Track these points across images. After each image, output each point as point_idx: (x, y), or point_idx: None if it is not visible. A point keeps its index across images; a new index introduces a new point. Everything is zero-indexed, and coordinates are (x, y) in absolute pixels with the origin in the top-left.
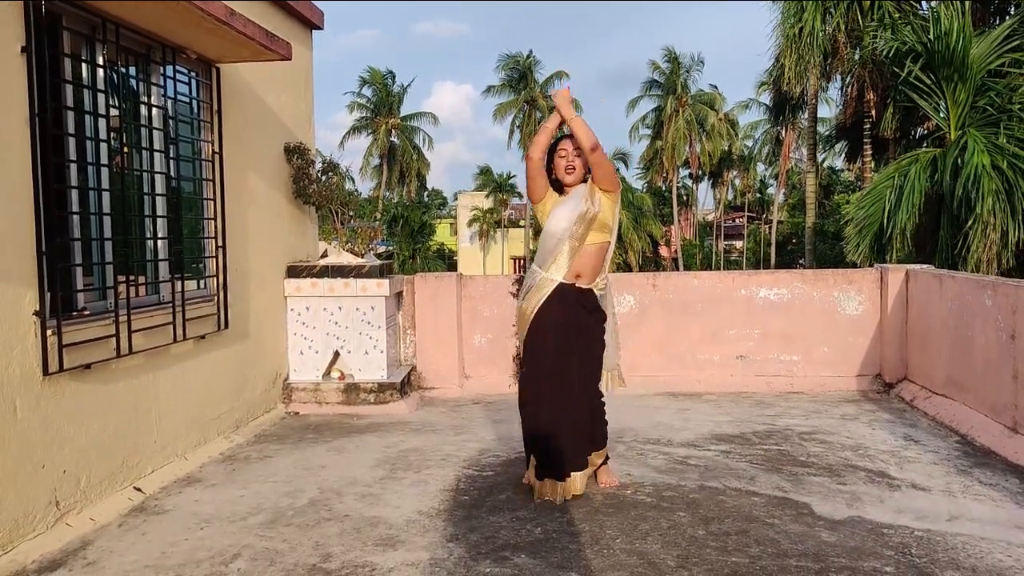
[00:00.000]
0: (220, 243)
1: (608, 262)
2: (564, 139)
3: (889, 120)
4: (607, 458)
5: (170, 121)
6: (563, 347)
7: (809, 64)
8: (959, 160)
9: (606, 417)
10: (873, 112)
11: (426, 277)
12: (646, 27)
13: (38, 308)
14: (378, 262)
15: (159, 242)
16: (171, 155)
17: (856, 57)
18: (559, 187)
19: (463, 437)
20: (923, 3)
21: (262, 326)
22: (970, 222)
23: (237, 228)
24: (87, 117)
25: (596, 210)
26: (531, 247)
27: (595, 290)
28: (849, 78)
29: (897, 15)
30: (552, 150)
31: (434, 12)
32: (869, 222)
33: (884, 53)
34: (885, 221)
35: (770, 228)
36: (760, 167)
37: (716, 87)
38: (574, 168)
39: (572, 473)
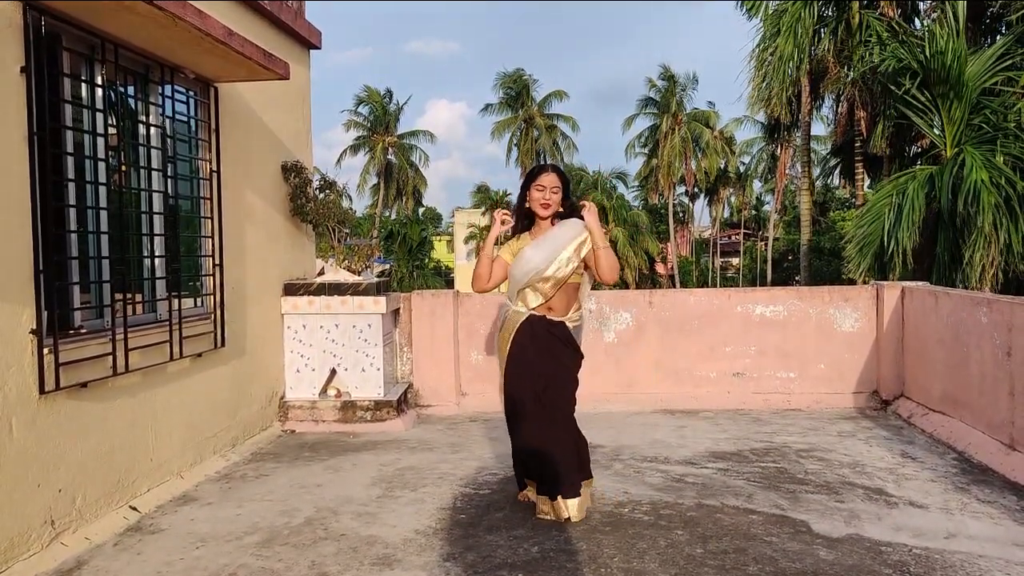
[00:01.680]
0: (217, 261)
1: (584, 296)
2: (544, 173)
3: (879, 137)
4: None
5: (168, 140)
6: (538, 375)
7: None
8: (956, 177)
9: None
10: (864, 130)
11: (423, 294)
12: (635, 46)
13: (35, 326)
14: (375, 279)
15: (156, 260)
16: (169, 174)
17: (848, 78)
18: (530, 223)
19: (460, 455)
20: (915, 22)
21: (259, 344)
22: (972, 236)
23: (234, 246)
24: (86, 136)
25: (572, 270)
26: None
27: (568, 323)
28: (841, 96)
29: (886, 34)
30: (529, 179)
31: (424, 31)
32: (869, 240)
33: (882, 68)
34: (886, 239)
35: (766, 245)
36: (756, 184)
37: (713, 104)
38: (550, 204)
39: (564, 499)
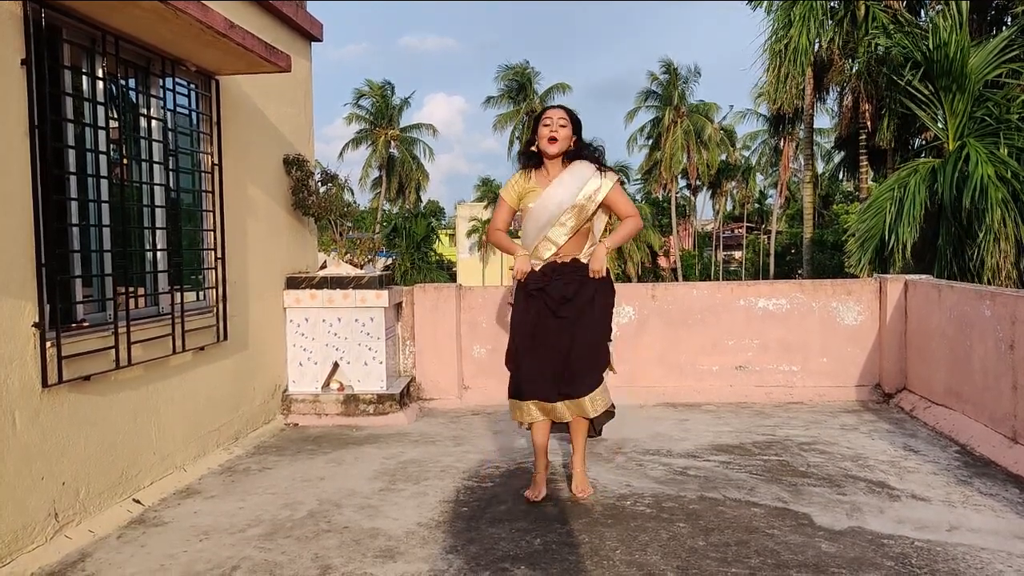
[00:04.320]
0: (219, 255)
1: (599, 231)
2: (549, 108)
3: (885, 130)
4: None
5: (169, 133)
6: (544, 313)
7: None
8: (960, 170)
9: (601, 378)
10: (869, 123)
11: (425, 288)
12: (635, 39)
13: (37, 320)
14: (377, 273)
15: (158, 254)
16: (170, 167)
17: (852, 69)
18: (538, 161)
19: (462, 448)
20: (920, 14)
21: (261, 337)
22: (981, 234)
23: (236, 239)
24: (87, 129)
25: (591, 210)
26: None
27: (581, 258)
28: (844, 89)
29: (892, 26)
30: (536, 119)
31: (420, 26)
32: (871, 235)
33: (885, 54)
34: (887, 234)
35: (769, 238)
36: (759, 178)
37: (717, 104)
38: (556, 138)
39: (530, 401)
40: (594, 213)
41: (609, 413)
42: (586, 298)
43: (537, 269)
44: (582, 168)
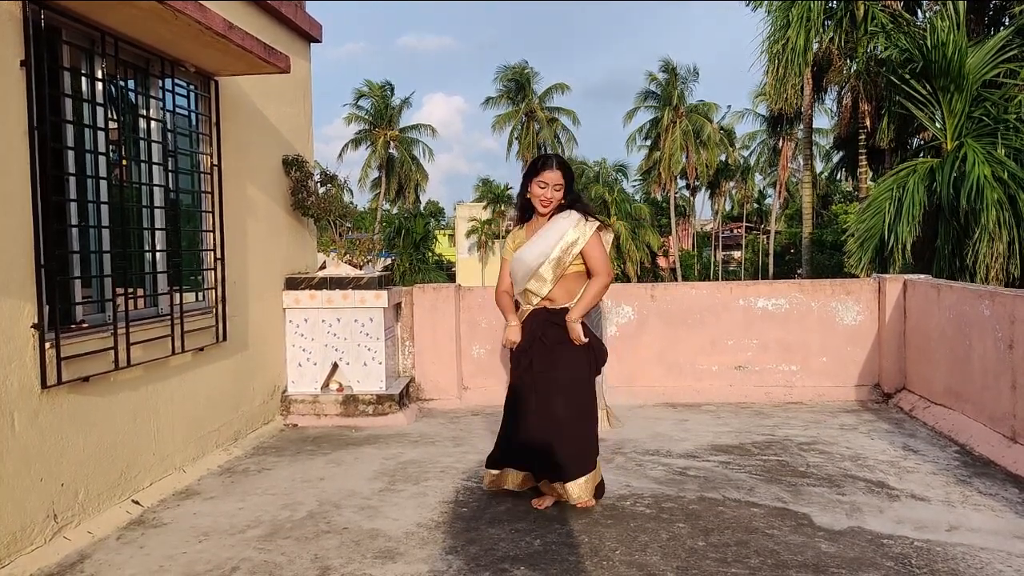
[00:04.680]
0: (219, 255)
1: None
2: (547, 169)
3: (884, 130)
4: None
5: (169, 134)
6: (529, 366)
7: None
8: (957, 170)
9: (587, 448)
10: (868, 123)
11: (424, 288)
12: (633, 39)
13: (37, 321)
14: (377, 273)
15: (158, 254)
16: (170, 168)
17: (852, 69)
18: (530, 214)
19: (462, 449)
20: (918, 14)
21: (261, 338)
22: (976, 234)
23: (236, 240)
24: (86, 130)
25: (568, 262)
26: None
27: (571, 305)
28: (844, 89)
29: (891, 26)
30: (532, 173)
31: (418, 26)
32: (870, 235)
33: (885, 56)
34: (886, 233)
35: (768, 238)
36: (758, 178)
37: (716, 104)
38: (550, 203)
39: (506, 468)
40: (572, 262)
41: (600, 488)
42: (570, 355)
43: (525, 319)
44: (562, 221)
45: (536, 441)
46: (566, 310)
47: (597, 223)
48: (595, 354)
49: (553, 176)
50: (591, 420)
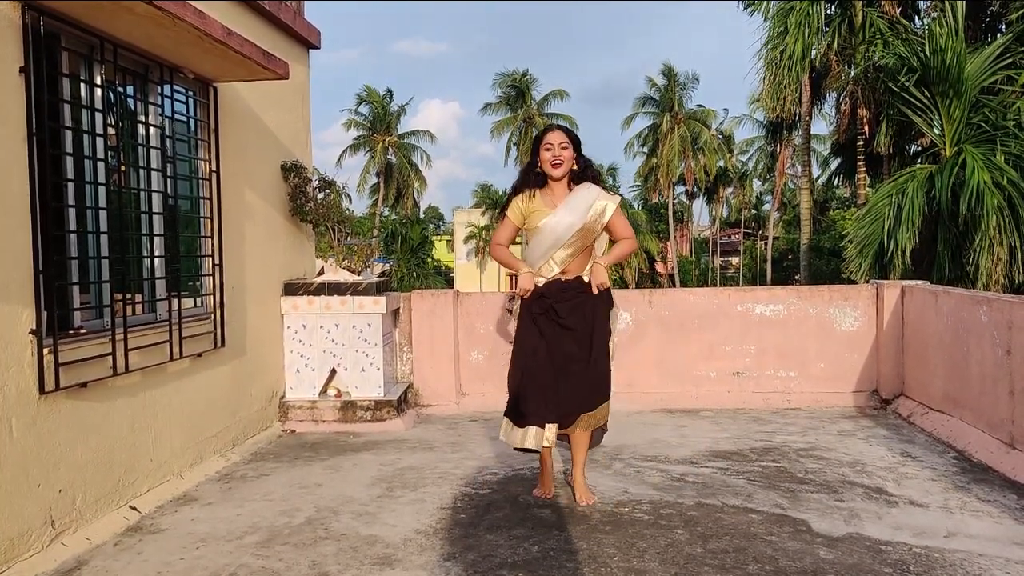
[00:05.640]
0: (217, 261)
1: (601, 249)
2: (549, 131)
3: (883, 136)
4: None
5: (167, 140)
6: (544, 332)
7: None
8: (956, 176)
9: (607, 381)
10: (866, 129)
11: (423, 294)
12: (631, 45)
13: (35, 326)
14: (375, 279)
15: (156, 260)
16: (168, 174)
17: (850, 75)
18: (543, 180)
19: (460, 455)
20: (915, 20)
21: (259, 344)
22: (976, 240)
23: (234, 246)
24: (85, 136)
25: (597, 231)
26: None
27: (584, 276)
28: (842, 95)
29: (889, 33)
30: (537, 142)
31: (413, 31)
32: (869, 241)
33: (883, 62)
34: (885, 240)
35: (766, 244)
36: (756, 183)
37: (714, 111)
38: (561, 161)
39: (529, 427)
40: (599, 233)
41: (603, 428)
42: (591, 311)
43: (540, 286)
44: (589, 190)
45: (563, 387)
46: (579, 279)
47: (618, 197)
48: (610, 304)
49: (556, 136)
50: (608, 357)
